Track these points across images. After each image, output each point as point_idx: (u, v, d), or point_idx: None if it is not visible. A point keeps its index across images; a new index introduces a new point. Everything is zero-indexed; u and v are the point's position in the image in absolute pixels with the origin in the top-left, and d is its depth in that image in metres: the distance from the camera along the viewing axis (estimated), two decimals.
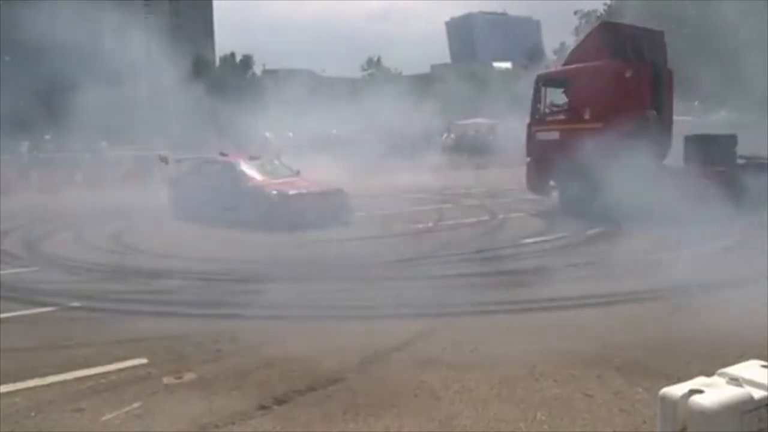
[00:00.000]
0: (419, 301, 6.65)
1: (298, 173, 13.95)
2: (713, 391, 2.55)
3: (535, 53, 62.67)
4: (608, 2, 45.70)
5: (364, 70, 62.83)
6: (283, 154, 17.01)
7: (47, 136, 33.44)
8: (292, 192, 12.60)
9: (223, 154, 14.70)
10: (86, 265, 9.27)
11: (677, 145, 12.67)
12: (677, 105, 14.02)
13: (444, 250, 9.75)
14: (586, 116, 12.66)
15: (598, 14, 46.29)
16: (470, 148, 29.98)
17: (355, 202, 13.23)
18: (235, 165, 13.87)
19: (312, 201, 12.38)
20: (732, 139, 12.37)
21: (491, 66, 72.82)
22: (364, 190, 15.24)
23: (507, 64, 69.22)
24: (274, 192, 12.66)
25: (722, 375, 2.67)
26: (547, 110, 13.81)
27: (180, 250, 9.97)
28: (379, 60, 63.09)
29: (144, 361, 5.12)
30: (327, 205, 12.47)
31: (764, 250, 7.44)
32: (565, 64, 14.17)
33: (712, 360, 3.39)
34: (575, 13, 48.18)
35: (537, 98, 13.91)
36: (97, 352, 5.37)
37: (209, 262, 8.97)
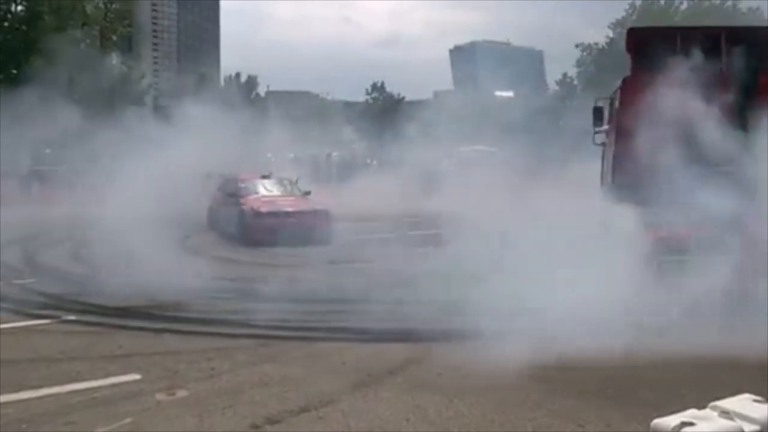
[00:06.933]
0: None
1: (308, 193, 14.43)
2: (705, 424, 2.56)
3: (537, 83, 63.20)
4: (610, 35, 46.36)
5: (368, 94, 63.35)
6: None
7: None
8: (264, 209, 13.03)
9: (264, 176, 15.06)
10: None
11: None
12: None
13: None
14: None
15: (600, 47, 46.93)
16: None
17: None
18: (236, 181, 14.55)
19: (285, 219, 12.72)
20: None
21: (493, 94, 73.14)
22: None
23: (509, 93, 69.54)
24: (247, 208, 13.20)
25: (714, 408, 2.69)
26: None
27: None
28: (382, 85, 63.57)
29: (137, 377, 5.11)
30: (303, 224, 12.66)
31: None
32: None
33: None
34: (577, 45, 48.96)
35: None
36: (90, 367, 5.36)
37: None
